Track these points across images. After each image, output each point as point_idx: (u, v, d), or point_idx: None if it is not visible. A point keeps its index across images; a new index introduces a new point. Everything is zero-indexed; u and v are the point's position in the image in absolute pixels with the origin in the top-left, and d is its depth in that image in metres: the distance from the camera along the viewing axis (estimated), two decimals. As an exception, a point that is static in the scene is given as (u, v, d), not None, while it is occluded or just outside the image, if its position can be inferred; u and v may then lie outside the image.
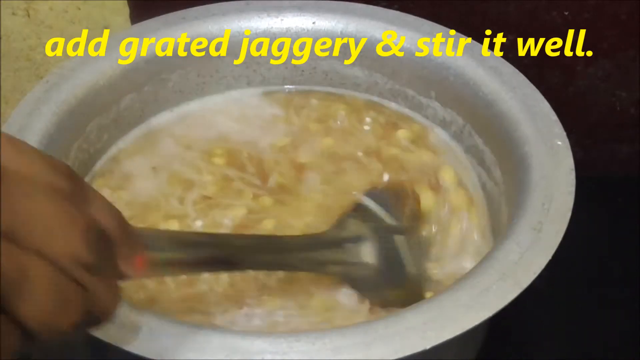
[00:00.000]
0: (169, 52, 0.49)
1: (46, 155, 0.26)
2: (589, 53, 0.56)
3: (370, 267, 0.40)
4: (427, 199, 0.45)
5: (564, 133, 0.42)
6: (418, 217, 0.43)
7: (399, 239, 0.42)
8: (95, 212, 0.27)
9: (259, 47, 0.50)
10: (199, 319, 0.39)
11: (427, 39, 0.48)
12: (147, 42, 0.48)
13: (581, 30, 0.55)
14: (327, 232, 0.41)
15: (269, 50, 0.51)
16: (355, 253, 0.40)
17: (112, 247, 0.27)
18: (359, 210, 0.42)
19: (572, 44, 0.56)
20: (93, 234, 0.26)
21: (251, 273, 0.41)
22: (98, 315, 0.27)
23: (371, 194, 0.43)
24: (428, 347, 0.32)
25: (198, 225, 0.43)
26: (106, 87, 0.46)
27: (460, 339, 0.33)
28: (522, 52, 0.56)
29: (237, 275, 0.40)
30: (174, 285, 0.40)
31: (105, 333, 0.32)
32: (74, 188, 0.26)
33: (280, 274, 0.41)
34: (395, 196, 0.44)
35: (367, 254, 0.40)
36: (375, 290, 0.40)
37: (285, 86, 0.52)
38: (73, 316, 0.25)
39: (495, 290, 0.34)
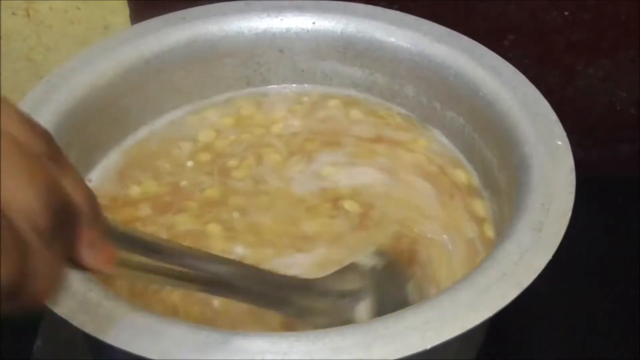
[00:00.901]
0: (169, 52, 0.49)
1: (28, 117, 0.25)
2: (589, 53, 0.56)
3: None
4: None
5: (564, 133, 0.42)
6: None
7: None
8: (67, 183, 0.24)
9: (258, 47, 0.50)
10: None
11: (427, 39, 0.48)
12: (147, 42, 0.48)
13: (581, 30, 0.55)
14: (324, 280, 0.39)
15: (269, 50, 0.51)
16: (347, 308, 0.38)
17: (75, 225, 0.25)
18: (356, 267, 0.40)
19: (572, 44, 0.56)
20: (56, 199, 0.24)
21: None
22: (28, 289, 0.23)
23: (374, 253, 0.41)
24: (428, 347, 0.32)
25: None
26: (106, 87, 0.46)
27: (460, 339, 0.33)
28: (522, 52, 0.56)
29: None
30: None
31: (105, 333, 0.32)
32: (47, 151, 0.24)
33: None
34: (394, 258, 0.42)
35: (362, 311, 0.38)
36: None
37: (285, 86, 0.52)
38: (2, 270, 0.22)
39: (495, 290, 0.34)
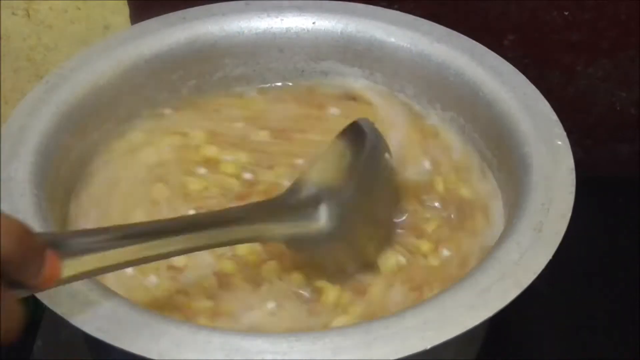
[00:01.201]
0: (169, 52, 0.49)
1: None
2: (589, 53, 0.56)
3: (322, 233, 0.38)
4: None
5: (564, 133, 0.42)
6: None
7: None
8: None
9: (258, 47, 0.50)
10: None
11: (427, 39, 0.48)
12: (147, 42, 0.48)
13: (581, 30, 0.55)
14: (283, 197, 0.39)
15: (269, 50, 0.51)
16: (312, 217, 0.38)
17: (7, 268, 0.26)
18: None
19: (572, 44, 0.56)
20: None
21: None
22: None
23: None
24: (428, 347, 0.32)
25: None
26: (106, 87, 0.46)
27: (460, 339, 0.33)
28: (522, 52, 0.56)
29: None
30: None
31: (105, 333, 0.32)
32: None
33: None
34: None
35: (324, 215, 0.38)
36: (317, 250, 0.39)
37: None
38: None
39: (495, 290, 0.34)
